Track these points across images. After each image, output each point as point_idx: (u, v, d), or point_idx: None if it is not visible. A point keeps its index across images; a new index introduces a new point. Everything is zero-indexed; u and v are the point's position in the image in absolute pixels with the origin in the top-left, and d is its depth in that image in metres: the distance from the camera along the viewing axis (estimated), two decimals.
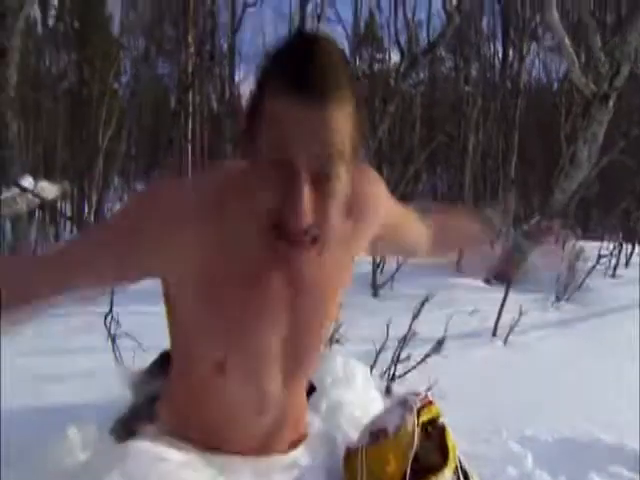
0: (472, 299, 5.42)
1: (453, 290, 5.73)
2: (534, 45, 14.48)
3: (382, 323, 3.42)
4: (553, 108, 13.55)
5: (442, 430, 1.26)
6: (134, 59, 14.00)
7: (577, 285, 5.99)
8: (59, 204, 9.46)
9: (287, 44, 0.88)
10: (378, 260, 6.05)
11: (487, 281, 6.62)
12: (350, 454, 1.22)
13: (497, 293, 5.06)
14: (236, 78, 14.90)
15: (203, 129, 14.46)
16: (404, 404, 1.26)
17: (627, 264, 7.58)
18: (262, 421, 1.14)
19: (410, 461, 1.18)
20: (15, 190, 5.62)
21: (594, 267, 6.24)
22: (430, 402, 1.28)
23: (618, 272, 7.07)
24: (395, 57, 15.53)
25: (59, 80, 12.87)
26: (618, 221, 9.03)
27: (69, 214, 11.85)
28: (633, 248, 7.86)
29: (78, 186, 12.26)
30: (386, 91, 11.02)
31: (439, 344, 3.35)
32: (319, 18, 9.46)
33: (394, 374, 3.36)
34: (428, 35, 13.44)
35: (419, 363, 3.32)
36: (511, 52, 13.74)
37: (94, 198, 10.61)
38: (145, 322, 3.09)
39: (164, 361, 1.30)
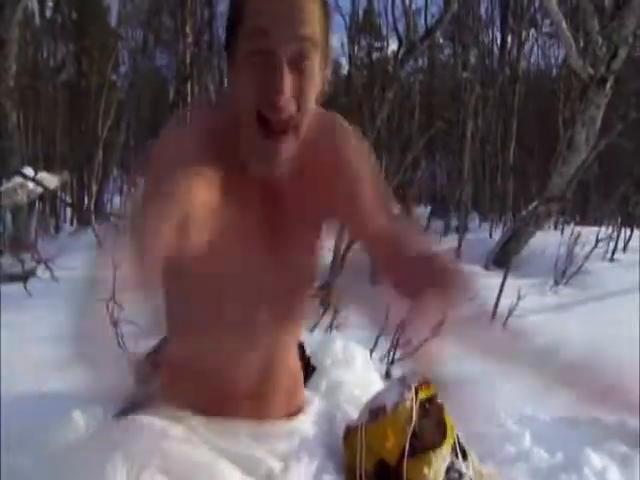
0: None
1: None
2: (533, 31, 14.46)
3: (381, 310, 3.43)
4: (552, 94, 13.53)
5: (440, 408, 1.28)
6: (132, 50, 13.96)
7: (575, 269, 6.02)
8: (59, 194, 9.44)
9: None
10: None
11: (485, 267, 6.66)
12: (350, 431, 1.25)
13: (495, 278, 5.07)
14: None
15: None
16: (403, 382, 1.28)
17: (625, 248, 7.59)
18: (252, 358, 1.14)
19: (409, 438, 1.20)
20: (16, 181, 5.63)
21: (592, 251, 6.26)
22: (428, 381, 1.30)
23: (616, 256, 7.08)
24: (393, 45, 15.50)
25: (57, 71, 12.85)
26: (616, 206, 9.04)
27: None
28: (631, 232, 7.87)
29: (78, 177, 12.27)
30: (385, 79, 11.01)
31: (437, 328, 3.36)
32: None
33: (393, 358, 3.38)
34: (426, 22, 13.40)
35: (418, 347, 3.34)
36: (510, 38, 13.71)
37: (94, 188, 10.60)
38: (145, 309, 3.10)
39: (165, 345, 1.32)
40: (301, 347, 1.50)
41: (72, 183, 11.65)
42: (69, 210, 12.28)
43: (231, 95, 1.04)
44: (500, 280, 4.76)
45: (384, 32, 16.92)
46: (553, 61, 17.22)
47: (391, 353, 3.39)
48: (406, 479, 1.18)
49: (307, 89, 0.98)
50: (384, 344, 3.39)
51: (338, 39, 14.79)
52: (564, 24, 6.64)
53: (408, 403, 1.23)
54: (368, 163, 1.17)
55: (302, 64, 0.96)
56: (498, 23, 14.44)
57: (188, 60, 12.39)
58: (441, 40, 16.58)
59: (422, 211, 14.09)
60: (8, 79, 6.65)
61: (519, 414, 2.58)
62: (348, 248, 4.04)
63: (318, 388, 1.38)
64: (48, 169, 8.24)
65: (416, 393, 1.25)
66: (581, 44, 8.53)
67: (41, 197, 7.57)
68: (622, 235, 7.62)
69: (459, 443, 1.27)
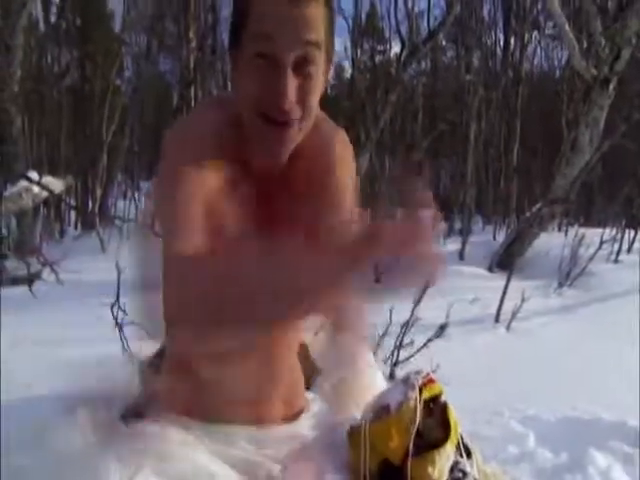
0: (474, 286, 5.45)
1: (455, 278, 5.75)
2: (535, 33, 14.45)
3: (384, 311, 3.44)
4: (555, 96, 13.52)
5: (444, 407, 1.28)
6: (135, 55, 14.01)
7: (580, 271, 6.02)
8: (64, 198, 9.48)
9: None
10: None
11: (489, 269, 6.65)
12: (353, 431, 1.24)
13: (499, 281, 5.08)
14: None
15: None
16: (406, 381, 1.28)
17: (629, 249, 7.59)
18: (250, 363, 1.13)
19: (412, 437, 1.20)
20: (21, 185, 5.65)
21: (596, 252, 6.25)
22: (432, 380, 1.30)
23: (620, 257, 7.08)
24: (396, 48, 15.52)
25: (61, 76, 12.90)
26: (621, 207, 9.03)
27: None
28: (636, 234, 7.86)
29: (82, 181, 12.31)
30: (388, 81, 11.01)
31: (441, 329, 3.38)
32: None
33: (397, 359, 3.38)
34: (429, 25, 13.42)
35: (421, 348, 3.35)
36: (512, 40, 13.70)
37: (98, 192, 10.64)
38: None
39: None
40: (305, 349, 1.50)
41: (76, 187, 11.68)
42: (73, 214, 12.32)
43: (234, 95, 1.04)
44: (504, 282, 4.77)
45: (387, 35, 16.93)
46: (556, 63, 17.23)
47: (395, 354, 3.40)
48: (410, 478, 1.18)
49: (311, 93, 0.99)
50: (388, 345, 3.40)
51: (341, 42, 14.86)
52: (567, 26, 6.64)
53: (412, 402, 1.23)
54: (351, 171, 1.20)
55: (306, 68, 0.97)
56: (501, 25, 14.46)
57: (192, 65, 12.42)
58: (444, 42, 16.61)
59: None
60: (13, 84, 6.68)
61: (523, 415, 2.59)
62: None
63: (321, 389, 1.38)
64: (53, 173, 8.26)
65: (420, 392, 1.25)
66: (584, 46, 8.53)
67: (46, 201, 7.59)
68: (626, 236, 7.62)
69: (463, 442, 1.27)
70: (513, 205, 12.44)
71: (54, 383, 2.71)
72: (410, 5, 11.53)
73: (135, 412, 1.27)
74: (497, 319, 4.61)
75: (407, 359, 3.37)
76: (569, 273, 5.99)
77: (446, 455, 1.22)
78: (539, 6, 12.50)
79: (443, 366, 2.86)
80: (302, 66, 0.96)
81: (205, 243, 0.94)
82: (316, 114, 1.05)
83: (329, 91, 16.18)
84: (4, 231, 6.39)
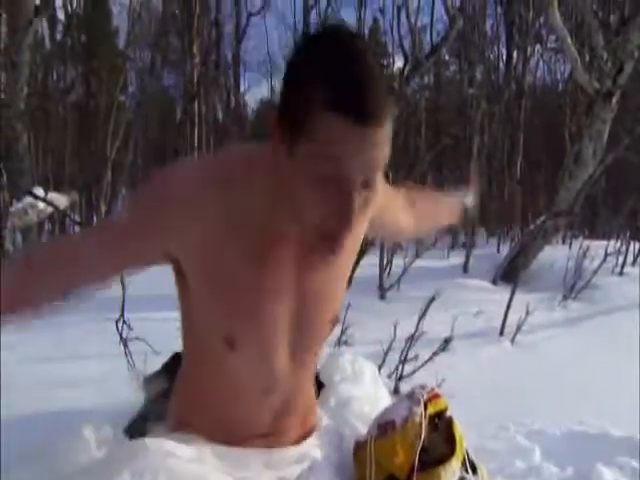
0: (478, 299, 5.44)
1: (460, 291, 5.75)
2: (538, 47, 14.51)
3: (389, 325, 3.44)
4: (558, 109, 13.54)
5: (449, 422, 1.27)
6: (140, 70, 14.10)
7: (584, 284, 6.00)
8: (68, 214, 9.51)
9: (331, 55, 0.87)
10: (385, 263, 6.07)
11: (493, 282, 6.64)
12: (359, 447, 1.24)
13: (504, 294, 5.07)
14: (241, 87, 14.97)
15: (209, 139, 14.52)
16: (411, 397, 1.28)
17: (634, 262, 7.56)
18: (271, 403, 1.15)
19: (418, 452, 1.20)
20: (26, 201, 5.67)
21: (601, 265, 6.24)
22: (437, 395, 1.29)
23: (625, 270, 7.05)
24: (399, 62, 15.55)
25: (67, 92, 12.98)
26: (625, 220, 9.02)
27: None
28: None
29: (87, 197, 12.35)
30: (391, 96, 11.05)
31: (446, 343, 3.37)
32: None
33: (402, 374, 3.38)
34: (431, 39, 13.49)
35: (426, 362, 3.34)
36: (515, 54, 13.77)
37: (102, 208, 10.68)
38: (155, 328, 3.13)
39: (175, 362, 1.32)
40: None
41: (81, 203, 11.72)
42: (78, 229, 12.34)
43: (278, 177, 0.96)
44: (508, 295, 4.76)
45: (390, 49, 16.99)
46: (559, 76, 17.29)
47: (399, 369, 3.39)
48: None
49: (371, 202, 0.94)
50: (392, 360, 3.39)
51: None
52: (569, 39, 6.66)
53: (417, 418, 1.23)
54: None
55: (371, 186, 0.91)
56: (503, 39, 14.51)
57: (195, 79, 12.51)
58: (447, 57, 16.71)
59: None
60: (19, 101, 6.72)
61: (528, 429, 2.58)
62: (357, 264, 4.04)
63: (327, 405, 1.38)
64: (57, 189, 8.31)
65: (425, 408, 1.25)
66: (587, 59, 8.55)
67: (50, 217, 7.62)
68: (631, 249, 7.60)
69: (469, 457, 1.27)
70: (517, 218, 12.44)
71: (57, 399, 2.72)
72: (413, 20, 11.55)
73: (141, 426, 1.28)
74: (501, 332, 4.59)
75: (412, 373, 3.37)
76: (574, 286, 5.98)
77: (452, 470, 1.22)
78: (541, 20, 12.54)
79: (448, 380, 2.85)
80: (366, 186, 0.91)
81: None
82: None
83: None
84: (9, 247, 6.41)
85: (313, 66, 0.88)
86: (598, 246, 6.82)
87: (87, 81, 13.88)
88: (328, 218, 0.90)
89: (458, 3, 7.92)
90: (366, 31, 18.12)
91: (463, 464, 1.24)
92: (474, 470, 1.26)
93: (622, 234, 8.36)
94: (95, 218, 11.92)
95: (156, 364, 1.52)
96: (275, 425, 1.18)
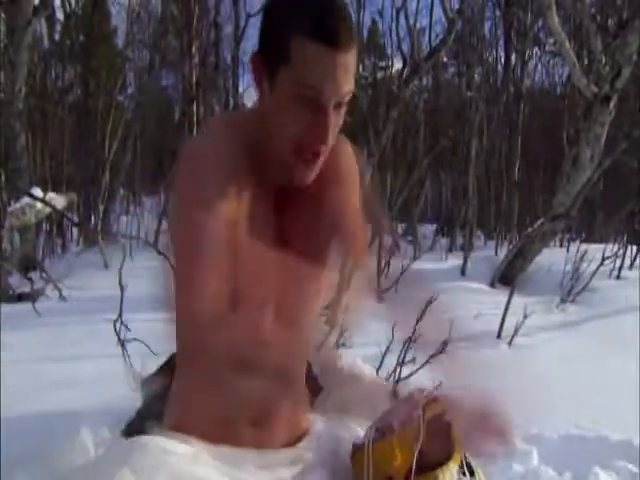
0: (476, 302, 5.44)
1: (457, 293, 5.75)
2: (536, 50, 14.53)
3: (387, 327, 3.43)
4: (556, 112, 13.57)
5: (447, 425, 1.28)
6: (138, 71, 14.09)
7: (582, 287, 6.01)
8: (66, 214, 9.51)
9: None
10: (382, 265, 6.06)
11: (491, 285, 6.64)
12: (357, 450, 1.24)
13: (501, 296, 5.08)
14: (240, 88, 14.97)
15: None
16: (410, 400, 1.28)
17: (632, 265, 7.58)
18: (262, 369, 1.09)
19: (416, 456, 1.20)
20: (24, 202, 5.67)
21: (598, 268, 6.25)
22: (435, 398, 1.29)
23: (623, 273, 7.07)
24: (398, 64, 15.59)
25: (65, 93, 12.96)
26: (623, 223, 9.04)
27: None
28: (638, 249, 7.85)
29: (84, 197, 12.33)
30: (389, 98, 11.07)
31: (444, 345, 3.37)
32: None
33: (399, 376, 3.37)
34: (430, 42, 13.53)
35: (423, 365, 3.34)
36: (513, 57, 13.78)
37: (100, 208, 10.66)
38: (152, 329, 3.12)
39: (172, 363, 1.32)
40: (308, 366, 1.50)
41: (79, 203, 11.70)
42: (75, 230, 12.34)
43: (262, 115, 1.08)
44: (506, 298, 4.76)
45: (388, 52, 17.04)
46: (557, 79, 17.31)
47: (397, 371, 3.39)
48: None
49: (339, 125, 1.06)
50: (390, 362, 3.39)
51: None
52: (567, 43, 6.68)
53: (416, 421, 1.23)
54: (358, 181, 1.25)
55: (340, 109, 1.04)
56: (502, 42, 14.53)
57: (194, 80, 12.51)
58: (445, 59, 16.71)
59: (428, 229, 14.11)
60: (17, 101, 6.73)
61: (526, 432, 2.58)
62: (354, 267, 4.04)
63: (325, 407, 1.38)
64: (55, 190, 8.30)
65: (423, 411, 1.25)
66: (585, 62, 8.57)
67: (48, 217, 7.62)
68: (628, 252, 7.61)
69: (467, 460, 1.27)
70: (515, 221, 12.45)
71: (55, 400, 2.72)
72: (412, 22, 11.59)
73: (138, 426, 1.27)
74: (499, 335, 4.60)
75: (409, 376, 3.36)
76: (571, 289, 5.99)
77: (449, 474, 1.21)
78: (540, 23, 12.56)
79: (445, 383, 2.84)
80: (338, 107, 1.03)
81: (221, 305, 0.95)
82: None
83: None
84: (7, 247, 6.41)
85: (292, 11, 1.00)
86: (596, 249, 6.83)
87: (85, 81, 13.86)
88: (307, 134, 1.02)
89: (457, 6, 7.93)
90: (365, 33, 18.18)
91: (461, 467, 1.24)
92: (472, 473, 1.26)
93: (620, 237, 8.38)
94: (93, 218, 11.89)
95: (154, 365, 1.52)
96: (270, 421, 1.17)
